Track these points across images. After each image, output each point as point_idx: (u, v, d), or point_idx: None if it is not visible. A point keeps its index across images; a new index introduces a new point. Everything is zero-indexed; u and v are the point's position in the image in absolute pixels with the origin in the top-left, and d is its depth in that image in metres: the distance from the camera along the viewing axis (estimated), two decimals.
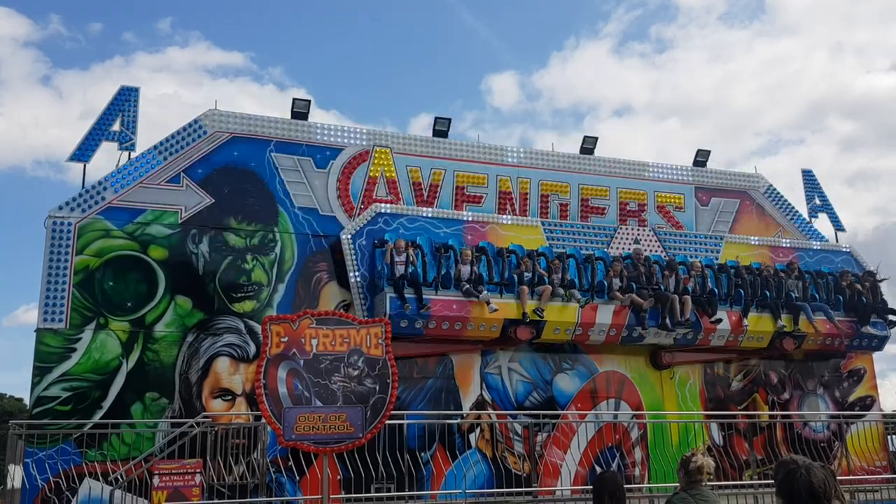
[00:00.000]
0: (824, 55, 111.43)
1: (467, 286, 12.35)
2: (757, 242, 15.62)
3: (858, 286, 15.05)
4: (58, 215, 11.71)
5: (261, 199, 12.91)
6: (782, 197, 16.84)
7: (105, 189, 12.05)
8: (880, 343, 15.31)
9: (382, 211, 12.95)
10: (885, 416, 15.76)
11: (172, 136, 12.63)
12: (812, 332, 14.36)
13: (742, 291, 14.20)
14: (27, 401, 13.22)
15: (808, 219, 16.94)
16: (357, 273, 12.48)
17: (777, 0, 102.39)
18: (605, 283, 13.41)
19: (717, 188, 16.31)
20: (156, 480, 8.74)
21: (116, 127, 12.56)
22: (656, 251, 14.63)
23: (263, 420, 8.65)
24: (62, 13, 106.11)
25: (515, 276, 12.86)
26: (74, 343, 11.36)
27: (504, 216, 14.01)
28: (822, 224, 17.07)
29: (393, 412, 8.51)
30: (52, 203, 11.72)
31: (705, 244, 15.18)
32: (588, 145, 15.47)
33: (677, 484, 5.15)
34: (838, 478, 4.43)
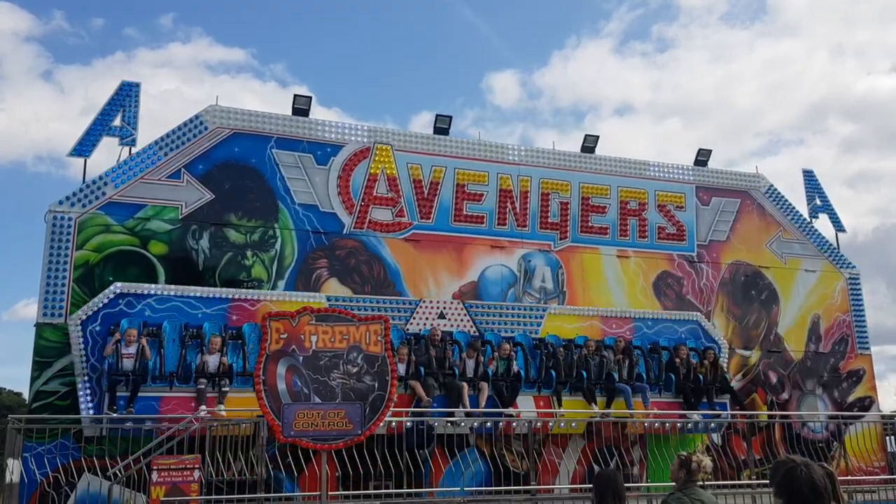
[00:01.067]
0: (825, 56, 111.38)
1: (203, 383, 10.74)
2: (585, 314, 13.97)
3: (696, 363, 13.35)
4: (58, 210, 11.70)
5: (261, 195, 12.90)
6: (783, 197, 16.84)
7: (105, 184, 12.04)
8: (717, 428, 13.34)
9: (124, 290, 11.33)
10: (883, 416, 15.78)
11: (173, 132, 12.62)
12: (629, 416, 12.58)
13: (553, 373, 12.58)
14: (26, 395, 13.21)
15: (808, 219, 16.94)
16: (87, 366, 10.89)
17: (778, 0, 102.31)
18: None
19: (718, 188, 16.30)
20: (154, 476, 8.75)
21: (117, 122, 12.55)
22: (466, 328, 13.05)
23: (263, 416, 8.66)
24: (65, 9, 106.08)
25: None
26: None
27: (284, 292, 12.32)
28: (823, 224, 17.09)
29: (392, 409, 8.51)
30: (52, 198, 11.70)
31: (526, 316, 13.59)
32: (589, 144, 15.45)
33: (674, 482, 5.16)
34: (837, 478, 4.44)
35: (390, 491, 10.54)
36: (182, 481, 8.84)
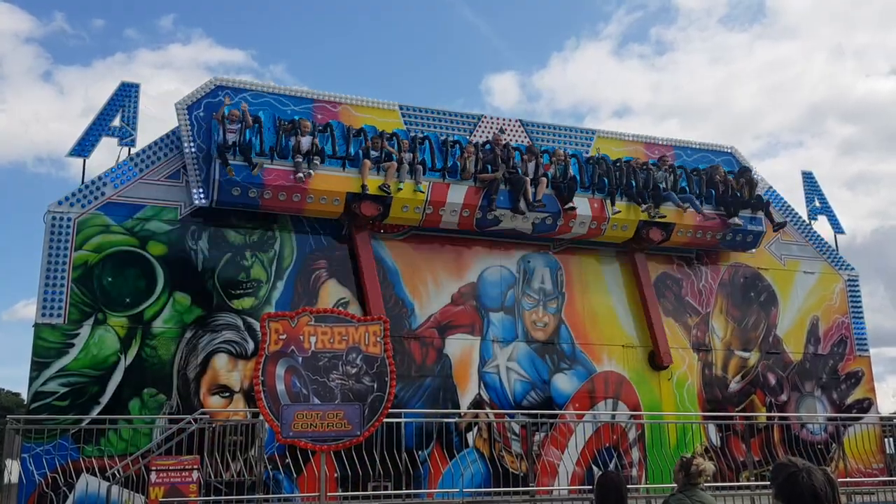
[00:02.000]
0: (824, 58, 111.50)
1: (299, 158, 11.92)
2: (631, 138, 15.35)
3: (733, 181, 14.81)
4: (57, 210, 11.69)
5: None
6: (781, 199, 16.84)
7: (105, 184, 12.03)
8: (755, 239, 15.04)
9: (223, 84, 12.56)
10: (882, 418, 15.79)
11: (173, 132, 12.61)
12: (679, 223, 14.16)
13: (606, 180, 13.83)
14: (25, 396, 13.20)
15: (807, 221, 16.94)
16: (192, 144, 12.14)
17: (777, 3, 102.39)
18: (459, 164, 13.01)
19: None
20: (153, 476, 8.75)
21: (117, 122, 12.53)
22: (523, 141, 14.22)
23: (261, 417, 8.66)
24: (65, 10, 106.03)
25: (361, 152, 12.47)
26: (73, 338, 11.34)
27: (358, 97, 13.56)
28: (822, 226, 17.09)
29: (390, 410, 8.51)
30: (52, 199, 11.69)
31: (576, 137, 14.92)
32: None
33: (674, 485, 5.16)
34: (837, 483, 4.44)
35: (389, 492, 10.55)
36: (181, 482, 8.84)
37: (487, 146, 13.48)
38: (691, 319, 15.17)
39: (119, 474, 9.96)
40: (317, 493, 8.74)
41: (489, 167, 13.04)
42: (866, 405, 16.11)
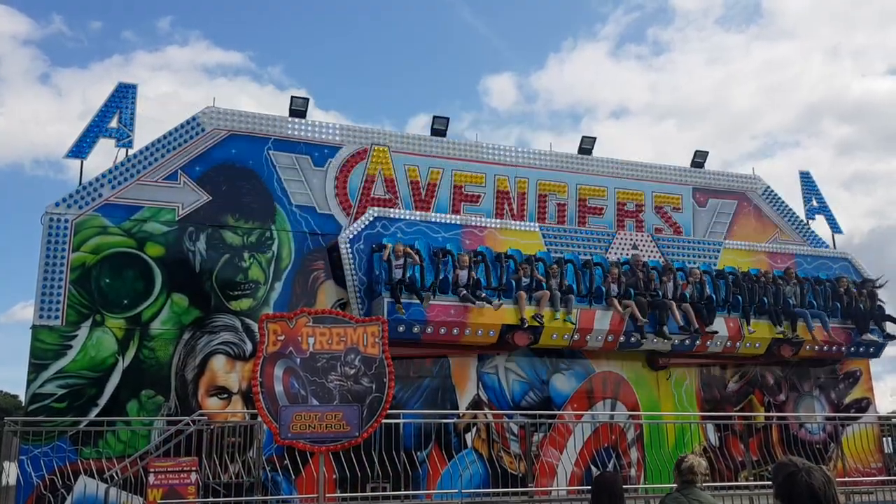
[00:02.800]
0: (821, 59, 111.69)
1: (464, 291, 12.28)
2: (755, 248, 15.54)
3: (856, 293, 15.06)
4: (54, 212, 11.67)
5: (258, 196, 12.88)
6: (780, 199, 16.86)
7: (102, 186, 12.01)
8: (877, 350, 15.33)
9: (380, 215, 12.83)
10: (880, 418, 15.79)
11: (170, 134, 12.59)
12: (810, 339, 14.38)
13: (740, 298, 14.11)
14: (22, 398, 13.17)
15: (805, 221, 16.95)
16: (355, 277, 12.35)
17: (774, 3, 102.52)
18: (603, 288, 13.34)
19: (714, 189, 16.32)
20: (151, 478, 8.73)
21: (114, 124, 12.51)
22: (654, 257, 14.48)
23: (259, 418, 8.64)
24: (63, 13, 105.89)
25: (513, 282, 12.78)
26: (70, 340, 11.32)
27: (502, 220, 13.91)
28: (820, 226, 17.11)
29: (389, 411, 8.49)
30: (50, 201, 11.68)
31: (704, 250, 15.12)
32: (586, 146, 15.47)
33: (673, 484, 5.16)
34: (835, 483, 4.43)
35: (388, 493, 10.54)
36: (179, 484, 8.82)
37: (626, 267, 13.79)
38: None
39: (117, 476, 9.95)
40: (315, 495, 8.72)
41: (631, 290, 13.40)
42: (864, 405, 16.12)
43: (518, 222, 13.99)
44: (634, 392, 14.26)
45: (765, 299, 14.30)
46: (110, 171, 12.16)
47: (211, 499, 9.77)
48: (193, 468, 9.01)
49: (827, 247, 16.87)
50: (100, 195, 11.95)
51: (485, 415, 13.07)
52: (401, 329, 11.80)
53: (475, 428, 12.94)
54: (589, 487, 5.48)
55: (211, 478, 10.07)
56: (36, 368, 11.10)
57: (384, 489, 10.81)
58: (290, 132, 13.36)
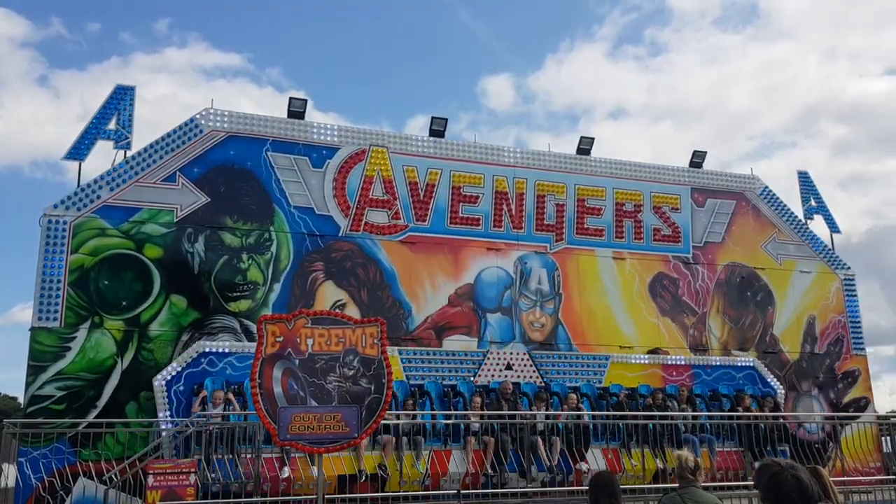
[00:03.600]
0: (818, 60, 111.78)
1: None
2: (647, 361, 14.07)
3: (756, 409, 13.34)
4: (53, 214, 11.66)
5: (257, 198, 12.88)
6: (778, 199, 16.87)
7: (100, 187, 12.01)
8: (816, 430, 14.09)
9: (206, 350, 11.38)
10: (879, 417, 15.79)
11: (168, 135, 12.59)
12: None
13: (622, 426, 12.09)
14: (21, 399, 13.16)
15: (803, 220, 16.97)
16: (171, 425, 10.69)
17: (771, 5, 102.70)
18: (462, 426, 11.36)
19: (713, 189, 16.33)
20: (150, 480, 8.72)
21: (112, 125, 12.51)
22: (531, 378, 13.08)
23: (259, 419, 8.64)
24: (62, 15, 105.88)
25: None
26: (69, 342, 11.32)
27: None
28: (818, 226, 17.14)
29: (388, 412, 8.49)
30: (48, 203, 11.68)
31: (588, 365, 13.69)
32: (584, 146, 15.48)
33: (675, 484, 5.16)
34: (832, 479, 4.44)
35: (386, 494, 10.52)
36: (178, 485, 8.81)
37: (493, 395, 12.22)
38: (688, 319, 15.19)
39: (116, 478, 9.92)
40: (314, 496, 8.72)
41: (496, 425, 11.28)
42: (863, 404, 16.14)
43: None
44: None
45: (651, 427, 12.20)
46: (108, 173, 12.16)
47: (210, 500, 9.75)
48: (192, 470, 9.00)
49: (825, 246, 16.88)
50: (98, 197, 11.95)
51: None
52: (215, 489, 9.65)
53: None
54: (586, 487, 5.47)
55: (210, 479, 10.06)
56: (35, 370, 11.10)
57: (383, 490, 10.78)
58: (288, 133, 13.36)
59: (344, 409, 8.04)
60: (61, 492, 10.28)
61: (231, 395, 10.77)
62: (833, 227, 17.19)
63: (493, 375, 12.88)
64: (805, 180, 17.40)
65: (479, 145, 14.69)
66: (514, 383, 12.52)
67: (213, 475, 9.59)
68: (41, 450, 10.53)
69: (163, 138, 12.55)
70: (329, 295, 12.82)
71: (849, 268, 16.98)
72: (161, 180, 12.35)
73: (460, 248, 13.96)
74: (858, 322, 16.75)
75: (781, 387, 14.68)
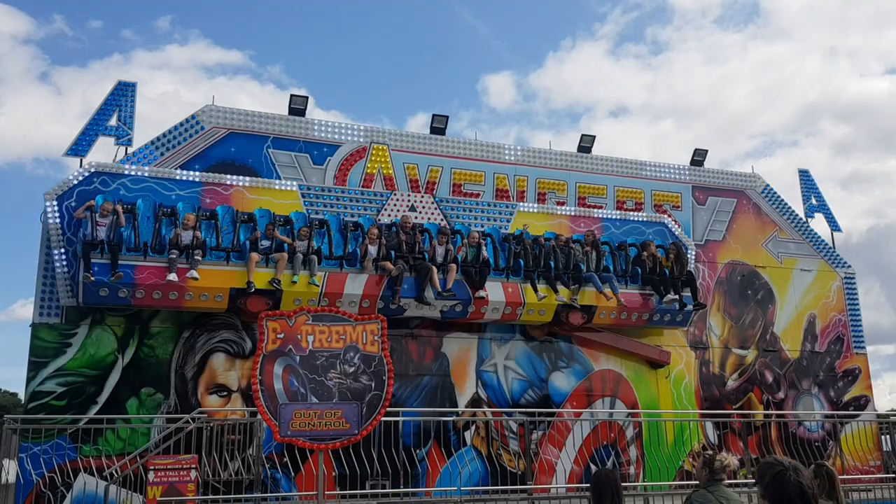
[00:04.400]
0: (818, 59, 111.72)
1: (174, 254, 10.98)
2: (553, 212, 14.34)
3: (663, 258, 13.86)
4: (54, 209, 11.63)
5: None
6: (779, 197, 16.87)
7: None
8: (684, 319, 14.07)
9: (100, 170, 11.62)
10: (879, 415, 15.81)
11: (169, 132, 12.59)
12: (601, 305, 13.15)
13: (521, 262, 12.93)
14: (22, 396, 13.18)
15: (804, 219, 16.97)
16: (62, 238, 11.15)
17: (772, 4, 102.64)
18: (359, 251, 12.12)
19: (714, 187, 16.33)
20: (151, 476, 8.74)
21: (113, 122, 12.51)
22: (437, 220, 13.40)
23: (259, 416, 8.65)
24: (64, 12, 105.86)
25: (248, 243, 11.61)
26: (70, 338, 11.33)
27: (253, 179, 12.58)
28: (819, 224, 17.14)
29: (388, 409, 8.51)
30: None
31: (495, 213, 13.91)
32: (586, 144, 15.48)
33: (672, 482, 5.16)
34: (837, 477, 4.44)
35: (387, 490, 10.55)
36: (178, 481, 8.83)
37: (394, 228, 12.65)
38: None
39: (117, 474, 9.95)
40: (315, 492, 8.73)
41: (393, 253, 12.12)
42: (863, 402, 16.15)
43: (273, 181, 12.76)
44: (633, 390, 14.27)
45: (551, 264, 13.06)
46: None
47: (210, 496, 9.79)
48: (193, 466, 9.02)
49: (826, 245, 16.89)
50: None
51: (484, 413, 13.09)
52: (103, 293, 10.77)
53: (474, 426, 12.96)
54: (587, 485, 5.49)
55: (210, 475, 10.08)
56: (35, 366, 11.12)
57: (383, 486, 10.83)
58: (289, 130, 13.36)
59: (344, 405, 8.04)
60: (62, 487, 10.30)
61: (119, 207, 11.07)
62: (834, 226, 17.19)
63: (396, 214, 13.17)
64: (806, 179, 17.40)
65: (479, 143, 14.69)
66: (416, 223, 12.91)
67: (213, 471, 9.61)
68: (42, 446, 10.55)
69: (164, 135, 12.55)
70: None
71: (849, 266, 16.98)
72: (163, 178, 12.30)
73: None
74: (859, 321, 16.76)
75: (691, 241, 15.03)
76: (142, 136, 12.62)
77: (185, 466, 8.94)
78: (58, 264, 11.14)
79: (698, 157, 16.44)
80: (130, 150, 12.43)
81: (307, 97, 13.67)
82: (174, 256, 10.98)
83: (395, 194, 13.43)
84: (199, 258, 11.12)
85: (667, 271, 13.68)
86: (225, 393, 11.90)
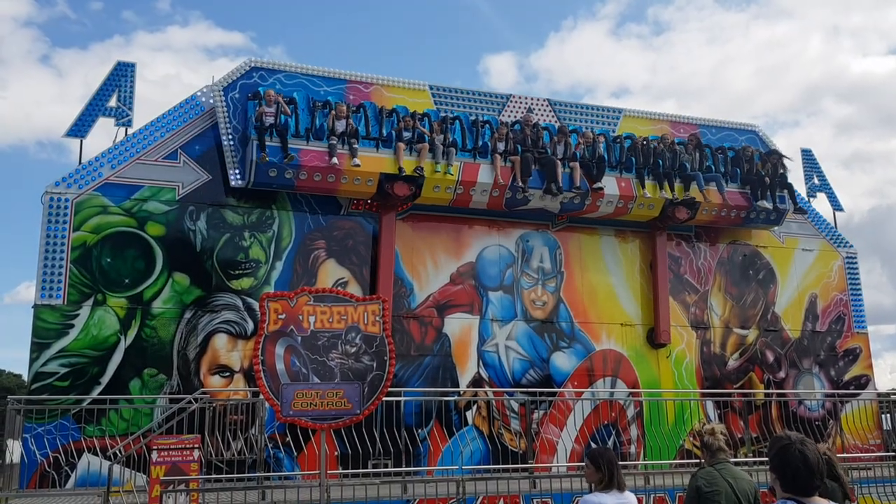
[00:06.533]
0: (820, 38, 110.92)
1: (334, 140, 12.18)
2: (657, 117, 15.70)
3: (759, 163, 15.12)
4: (55, 191, 11.66)
5: None
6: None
7: (102, 165, 11.99)
8: (778, 217, 15.22)
9: (257, 65, 12.94)
10: (879, 394, 15.86)
11: (169, 113, 12.55)
12: (704, 202, 14.37)
13: (633, 160, 14.15)
14: (26, 377, 13.25)
15: (806, 198, 16.92)
16: (229, 125, 12.45)
17: None
18: (490, 144, 13.32)
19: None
20: (154, 456, 8.79)
21: (113, 102, 12.48)
22: (551, 121, 14.57)
23: (261, 396, 8.69)
24: None
25: (394, 133, 12.78)
26: (72, 319, 11.36)
27: (389, 77, 13.85)
28: (821, 203, 17.10)
29: (390, 389, 8.54)
30: (52, 180, 11.67)
31: (603, 116, 15.29)
32: None
33: (672, 461, 5.18)
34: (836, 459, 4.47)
35: (389, 469, 10.62)
36: (182, 461, 8.87)
37: (517, 126, 13.75)
38: (690, 297, 15.21)
39: (120, 454, 10.01)
40: (317, 471, 8.79)
41: (519, 147, 13.33)
42: (864, 382, 16.20)
43: (407, 80, 13.97)
44: (634, 370, 14.32)
45: (660, 162, 14.30)
46: (110, 151, 12.14)
47: (214, 476, 9.85)
48: (196, 445, 9.07)
49: (828, 224, 16.86)
50: (100, 175, 11.94)
51: (485, 392, 13.14)
52: (272, 174, 11.98)
53: (476, 405, 13.02)
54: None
55: (213, 455, 10.15)
56: (38, 347, 11.16)
57: (385, 466, 10.89)
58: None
59: (346, 385, 8.07)
60: (66, 467, 10.38)
61: (281, 97, 12.27)
62: (836, 206, 17.15)
63: (516, 115, 14.40)
64: (808, 158, 17.33)
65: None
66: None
67: (215, 451, 9.67)
68: (46, 426, 10.62)
69: (164, 116, 12.51)
70: (331, 273, 12.83)
71: (851, 246, 16.96)
72: (162, 158, 12.32)
73: (462, 226, 13.92)
74: (860, 300, 16.76)
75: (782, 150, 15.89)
76: (144, 118, 12.60)
77: (188, 446, 8.98)
78: (226, 148, 12.35)
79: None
80: (131, 130, 12.41)
81: None
82: (334, 142, 12.14)
83: (514, 97, 14.66)
84: (354, 144, 12.24)
85: (763, 174, 14.92)
86: (227, 373, 11.95)
